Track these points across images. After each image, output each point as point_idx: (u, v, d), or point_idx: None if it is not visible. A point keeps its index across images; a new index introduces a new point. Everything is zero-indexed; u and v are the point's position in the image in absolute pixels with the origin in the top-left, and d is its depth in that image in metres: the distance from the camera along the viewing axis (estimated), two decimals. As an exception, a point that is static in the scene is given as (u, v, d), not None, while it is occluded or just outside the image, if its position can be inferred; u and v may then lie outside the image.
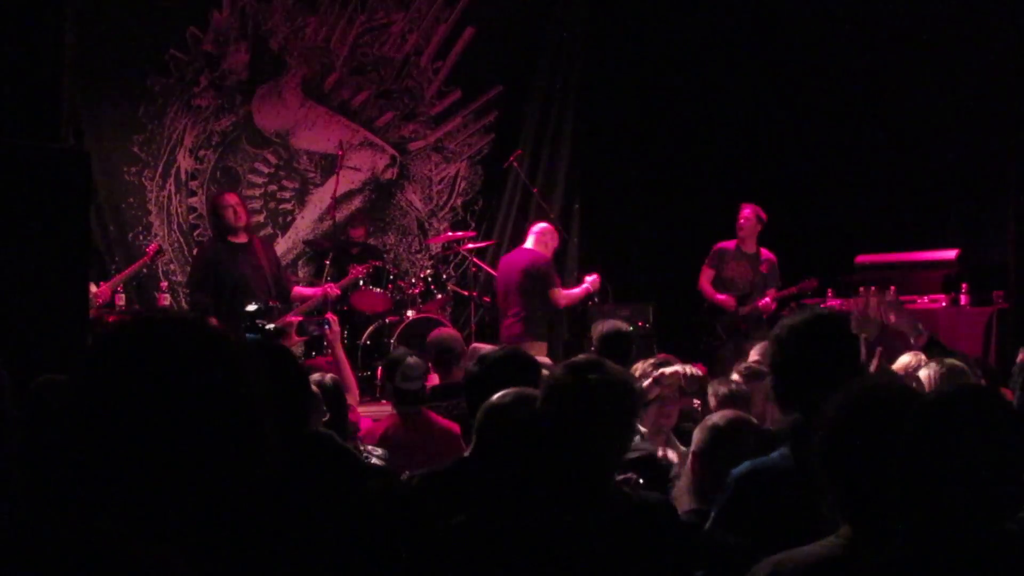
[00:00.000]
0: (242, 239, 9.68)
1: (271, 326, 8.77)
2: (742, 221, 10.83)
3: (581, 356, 3.49)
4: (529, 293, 10.17)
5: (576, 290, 10.64)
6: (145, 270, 11.38)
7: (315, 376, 5.64)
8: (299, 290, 10.21)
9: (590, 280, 10.63)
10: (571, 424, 3.17)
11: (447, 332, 7.72)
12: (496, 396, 3.83)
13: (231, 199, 9.87)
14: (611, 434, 3.30)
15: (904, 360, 5.52)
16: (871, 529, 2.45)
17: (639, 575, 3.05)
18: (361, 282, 10.68)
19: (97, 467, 1.77)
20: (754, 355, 6.40)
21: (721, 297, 10.86)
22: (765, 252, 10.95)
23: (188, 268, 11.76)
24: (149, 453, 1.76)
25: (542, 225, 10.67)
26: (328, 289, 10.05)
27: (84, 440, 1.78)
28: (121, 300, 10.49)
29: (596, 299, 11.07)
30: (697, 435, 4.21)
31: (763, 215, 10.83)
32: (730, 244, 10.95)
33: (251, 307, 8.69)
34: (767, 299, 10.73)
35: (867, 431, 2.52)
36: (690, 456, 4.23)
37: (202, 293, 9.52)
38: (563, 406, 3.25)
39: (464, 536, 2.66)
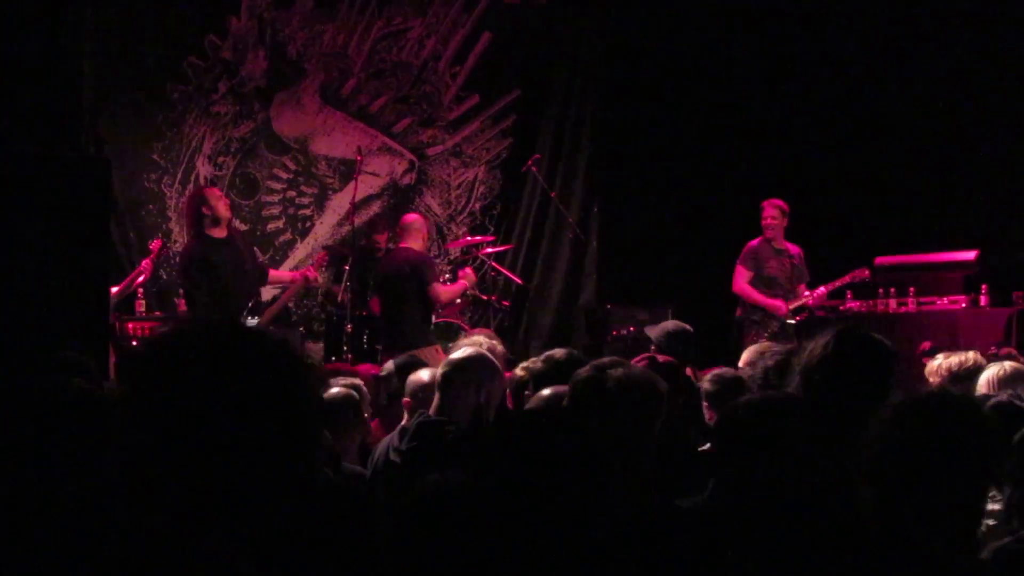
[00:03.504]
0: (223, 233, 9.27)
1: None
2: (769, 220, 10.63)
3: (606, 357, 3.53)
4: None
5: (454, 286, 10.12)
6: (165, 275, 11.46)
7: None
8: (275, 273, 10.09)
9: (464, 274, 10.23)
10: (594, 421, 3.19)
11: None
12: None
13: (219, 191, 9.79)
14: (635, 433, 3.33)
15: (943, 361, 5.36)
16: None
17: None
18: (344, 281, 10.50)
19: (160, 466, 1.80)
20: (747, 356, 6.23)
21: (772, 301, 10.51)
22: (791, 246, 10.78)
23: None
24: (214, 455, 1.79)
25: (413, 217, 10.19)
26: (308, 272, 9.95)
27: (149, 442, 1.81)
28: (141, 306, 10.54)
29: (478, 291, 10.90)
30: None
31: (786, 208, 10.72)
32: (759, 243, 10.73)
33: (251, 321, 8.84)
34: (821, 290, 10.54)
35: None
36: None
37: (201, 293, 9.14)
38: (586, 404, 3.28)
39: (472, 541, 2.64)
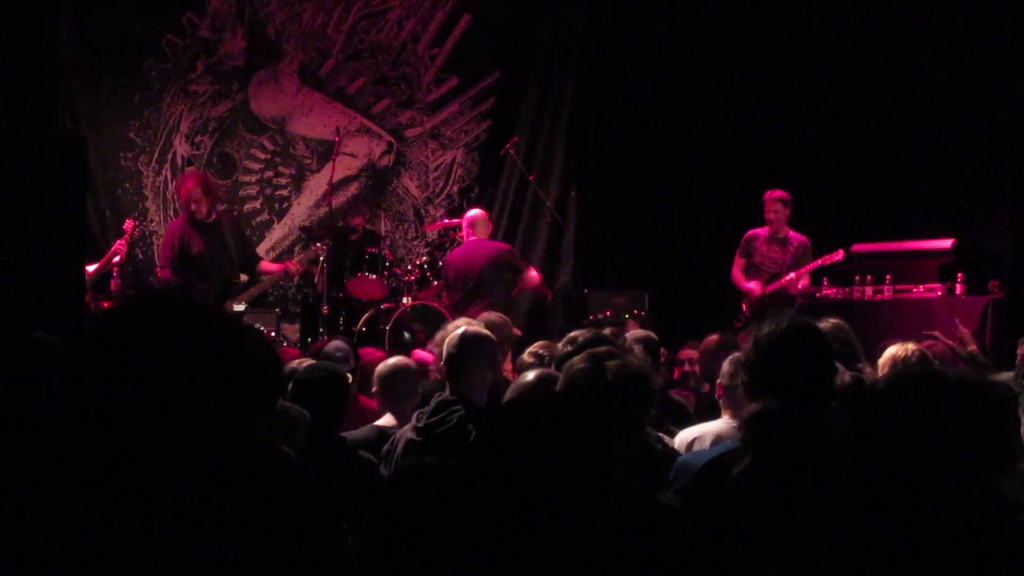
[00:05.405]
0: (210, 219, 9.94)
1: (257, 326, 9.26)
2: (772, 215, 10.71)
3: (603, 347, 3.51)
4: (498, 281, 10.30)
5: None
6: (141, 255, 11.42)
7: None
8: (265, 265, 10.59)
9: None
10: (588, 409, 3.16)
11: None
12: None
13: (196, 192, 10.01)
14: (627, 423, 3.32)
15: (892, 351, 5.33)
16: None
17: None
18: (321, 257, 10.65)
19: (93, 444, 1.79)
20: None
21: (749, 284, 10.72)
22: (794, 235, 10.78)
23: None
24: (144, 429, 1.79)
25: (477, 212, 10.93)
26: (289, 266, 10.62)
27: (79, 417, 1.81)
28: (116, 284, 10.49)
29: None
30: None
31: (787, 197, 10.73)
32: (761, 231, 10.84)
33: (239, 307, 9.47)
34: (791, 275, 10.52)
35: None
36: None
37: (166, 271, 9.79)
38: (582, 391, 3.27)
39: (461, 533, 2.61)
